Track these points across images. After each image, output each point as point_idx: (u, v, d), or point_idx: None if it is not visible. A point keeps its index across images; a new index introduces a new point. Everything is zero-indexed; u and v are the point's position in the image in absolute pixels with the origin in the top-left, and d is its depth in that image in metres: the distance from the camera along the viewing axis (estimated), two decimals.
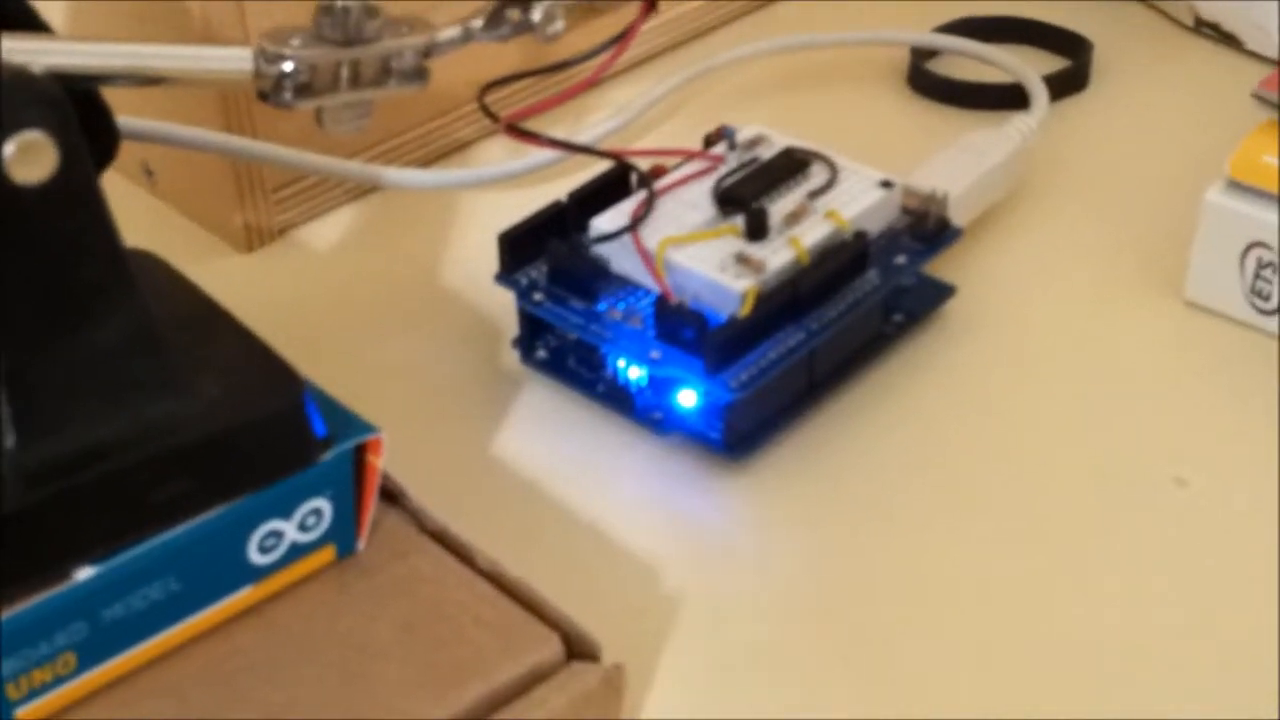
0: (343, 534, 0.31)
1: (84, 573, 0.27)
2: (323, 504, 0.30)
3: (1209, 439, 0.36)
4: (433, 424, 0.37)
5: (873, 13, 0.51)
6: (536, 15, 0.33)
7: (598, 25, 0.37)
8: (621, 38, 0.36)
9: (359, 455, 0.30)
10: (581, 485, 0.36)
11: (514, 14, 0.33)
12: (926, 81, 0.48)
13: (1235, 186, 0.38)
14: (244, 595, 0.29)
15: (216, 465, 0.29)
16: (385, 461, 0.31)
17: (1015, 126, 0.43)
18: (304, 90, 0.32)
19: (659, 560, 0.34)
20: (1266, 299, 0.38)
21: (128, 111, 0.36)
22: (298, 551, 0.30)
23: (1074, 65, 0.47)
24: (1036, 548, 0.34)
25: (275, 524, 0.29)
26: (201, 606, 0.29)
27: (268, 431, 0.29)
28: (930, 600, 0.33)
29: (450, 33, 0.33)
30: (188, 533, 0.28)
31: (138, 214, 0.44)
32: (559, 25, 0.33)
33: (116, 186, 0.43)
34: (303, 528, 0.30)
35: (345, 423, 0.30)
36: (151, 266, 0.32)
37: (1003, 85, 0.46)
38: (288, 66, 0.31)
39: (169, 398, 0.28)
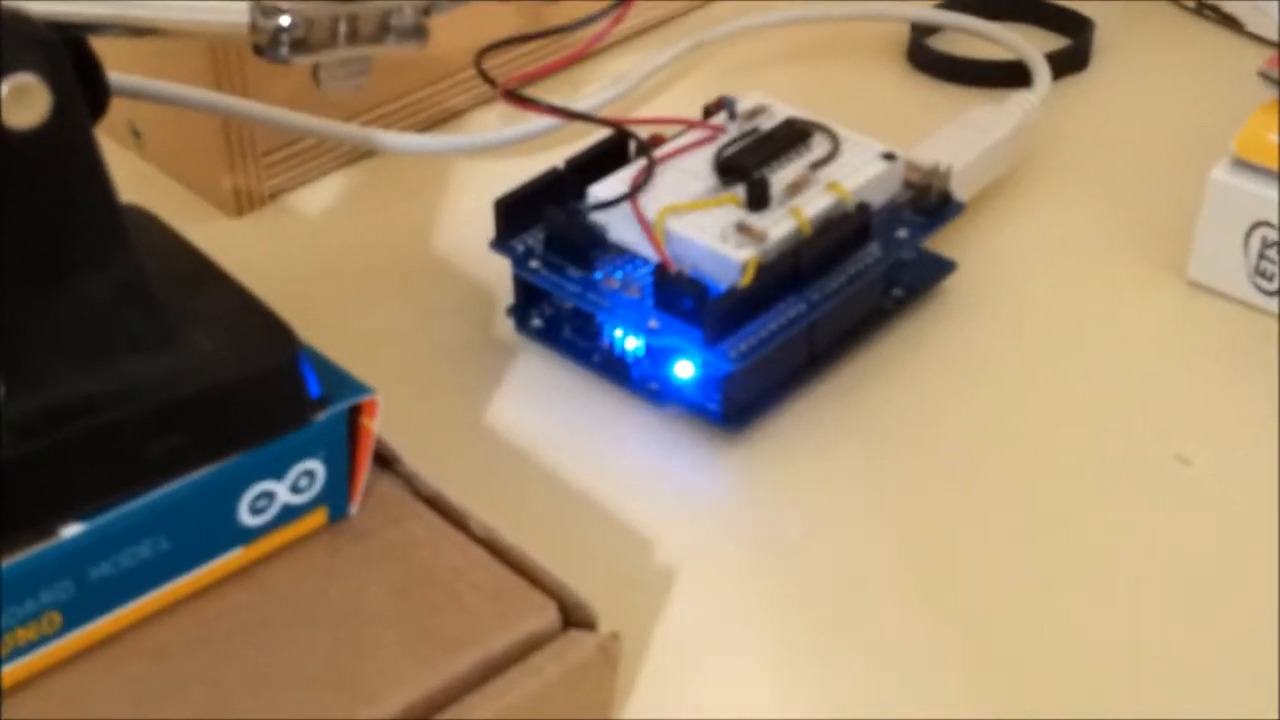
0: (336, 497, 0.30)
1: (71, 529, 0.27)
2: (316, 465, 0.29)
3: (1211, 418, 0.36)
4: (426, 391, 0.37)
5: None
6: None
7: None
8: (621, 2, 0.36)
9: (353, 418, 0.30)
10: (576, 455, 0.35)
11: None
12: (927, 58, 0.47)
13: (1240, 165, 0.37)
14: (234, 556, 0.29)
15: (209, 422, 0.28)
16: (379, 427, 0.30)
17: (1017, 104, 0.42)
18: (300, 45, 0.31)
19: (654, 531, 0.33)
20: (1270, 279, 0.38)
21: (117, 68, 0.35)
22: (290, 513, 0.29)
23: (1075, 44, 0.47)
24: (1036, 526, 0.33)
25: (267, 484, 0.29)
26: (191, 567, 0.28)
27: (261, 389, 0.28)
28: (928, 577, 0.32)
29: None
30: (178, 491, 0.28)
31: (125, 176, 0.42)
32: None
33: (103, 148, 0.43)
34: (295, 489, 0.29)
35: (340, 383, 0.30)
36: (145, 222, 0.31)
37: (1004, 63, 0.46)
38: (284, 20, 0.30)
39: (161, 352, 0.28)
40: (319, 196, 0.42)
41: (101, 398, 0.27)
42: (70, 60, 0.27)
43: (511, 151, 0.42)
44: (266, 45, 0.31)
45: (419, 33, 0.33)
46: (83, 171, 0.27)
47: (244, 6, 0.31)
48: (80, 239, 0.27)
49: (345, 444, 0.30)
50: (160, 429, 0.27)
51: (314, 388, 0.29)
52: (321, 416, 0.29)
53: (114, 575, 0.27)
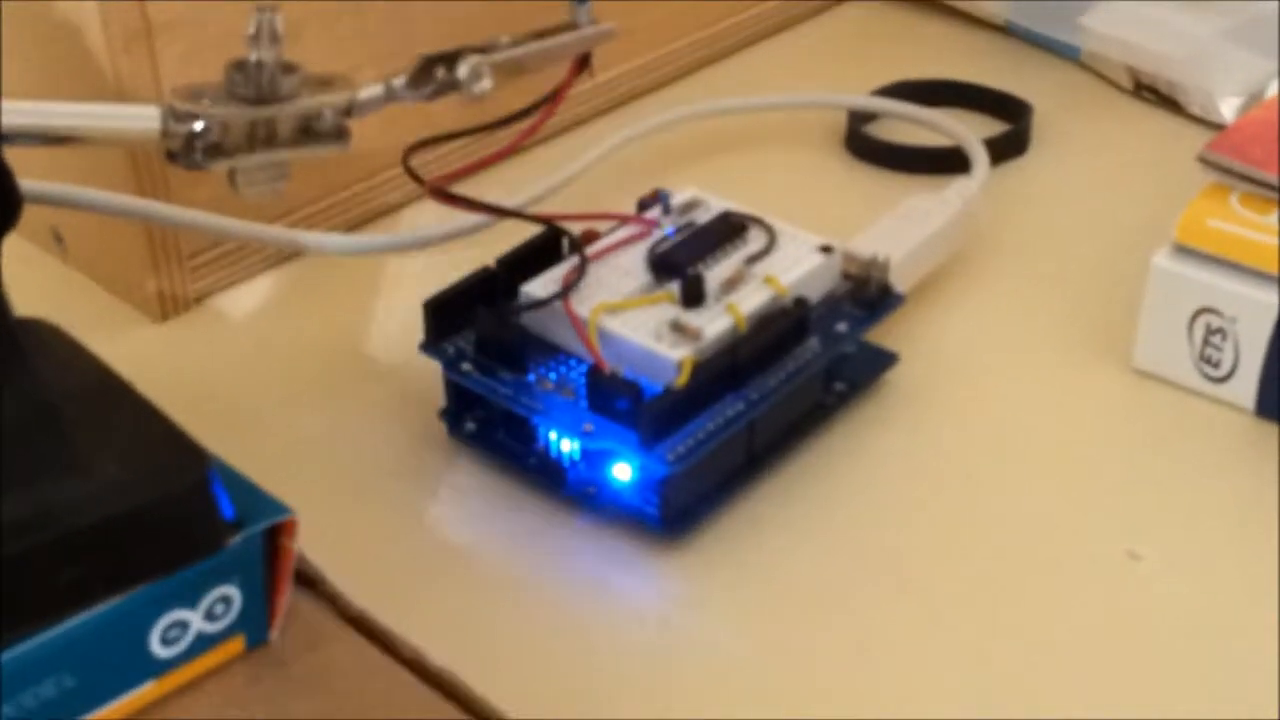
0: (253, 623, 0.29)
1: None
2: (231, 591, 0.28)
3: (1161, 511, 0.35)
4: (356, 500, 0.35)
5: (809, 76, 0.51)
6: (462, 73, 0.32)
7: (527, 85, 0.36)
8: (552, 98, 0.35)
9: (271, 539, 0.29)
10: (513, 565, 0.34)
11: (439, 72, 0.32)
12: (865, 145, 0.47)
13: (1182, 251, 0.37)
14: (146, 690, 0.28)
15: (115, 551, 0.27)
16: (303, 543, 0.29)
17: (956, 191, 0.42)
18: (215, 150, 0.30)
19: (594, 644, 0.32)
20: (1216, 365, 0.37)
21: (36, 174, 0.34)
22: (205, 643, 0.28)
23: (1014, 129, 0.47)
24: (985, 627, 0.32)
25: (179, 614, 0.27)
26: (100, 704, 0.27)
27: (171, 514, 0.27)
28: (878, 682, 0.31)
29: (372, 91, 0.32)
30: (84, 624, 0.26)
31: (47, 282, 0.42)
32: (486, 84, 0.32)
33: (24, 253, 0.42)
34: (210, 617, 0.28)
35: (256, 503, 0.29)
36: (48, 336, 0.30)
37: (942, 149, 0.45)
38: (198, 125, 0.30)
39: (63, 478, 0.27)
40: (246, 299, 0.41)
41: (6, 528, 0.26)
42: None
43: (443, 248, 0.41)
44: (180, 151, 0.30)
45: (340, 135, 0.32)
46: None
47: (155, 112, 0.30)
48: None
49: (262, 568, 0.29)
50: (62, 560, 0.26)
51: (227, 510, 0.28)
52: (236, 540, 0.28)
53: (17, 717, 0.26)
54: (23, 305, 0.31)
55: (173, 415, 0.30)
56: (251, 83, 0.30)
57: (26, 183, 0.30)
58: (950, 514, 0.35)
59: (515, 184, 0.42)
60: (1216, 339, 0.37)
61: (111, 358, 0.31)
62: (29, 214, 0.30)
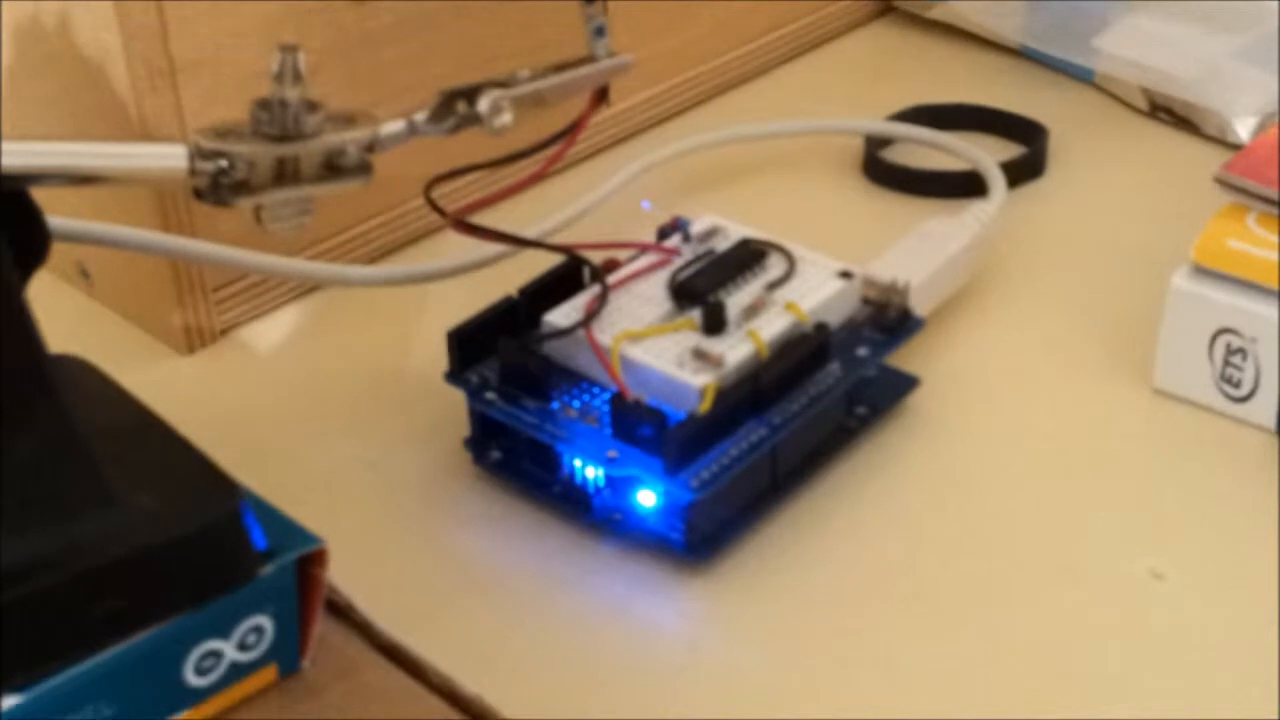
0: (286, 652, 0.29)
1: (9, 701, 0.26)
2: (264, 621, 0.28)
3: (1184, 531, 0.35)
4: (383, 531, 0.36)
5: (825, 101, 0.51)
6: (483, 107, 0.32)
7: (547, 117, 0.36)
8: (572, 129, 0.35)
9: (302, 568, 0.29)
10: (539, 592, 0.34)
11: (460, 106, 0.33)
12: (882, 170, 0.47)
13: (1201, 272, 0.37)
14: None
15: (149, 583, 0.27)
16: (332, 572, 0.29)
17: (973, 214, 0.42)
18: (241, 188, 0.30)
19: (622, 669, 0.32)
20: (1237, 385, 0.37)
21: (62, 210, 0.35)
22: (238, 672, 0.28)
23: (1030, 152, 0.47)
24: (1011, 648, 0.32)
25: (213, 644, 0.28)
26: None
27: (203, 545, 0.27)
28: (904, 704, 0.31)
29: (394, 127, 0.32)
30: (119, 655, 0.27)
31: (73, 316, 0.42)
32: (507, 118, 0.32)
33: (51, 288, 0.43)
34: (242, 647, 0.28)
35: (287, 534, 0.29)
36: (79, 372, 0.31)
37: (959, 173, 0.46)
38: (224, 163, 0.30)
39: (97, 511, 0.27)
40: (271, 330, 0.42)
41: (34, 563, 0.26)
42: (7, 212, 0.27)
43: (466, 278, 0.41)
44: (207, 189, 0.31)
45: (364, 170, 0.32)
46: (7, 329, 0.26)
47: (182, 150, 0.30)
48: (7, 398, 0.26)
49: (294, 597, 0.29)
50: (97, 593, 0.26)
51: (259, 540, 0.28)
52: (268, 570, 0.28)
53: None
54: (50, 340, 0.31)
55: (202, 447, 0.30)
56: (276, 121, 0.30)
57: (53, 220, 0.30)
58: (973, 536, 0.35)
59: (536, 213, 0.43)
60: (1237, 359, 0.37)
61: (140, 391, 0.32)
62: (55, 249, 0.30)
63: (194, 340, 0.41)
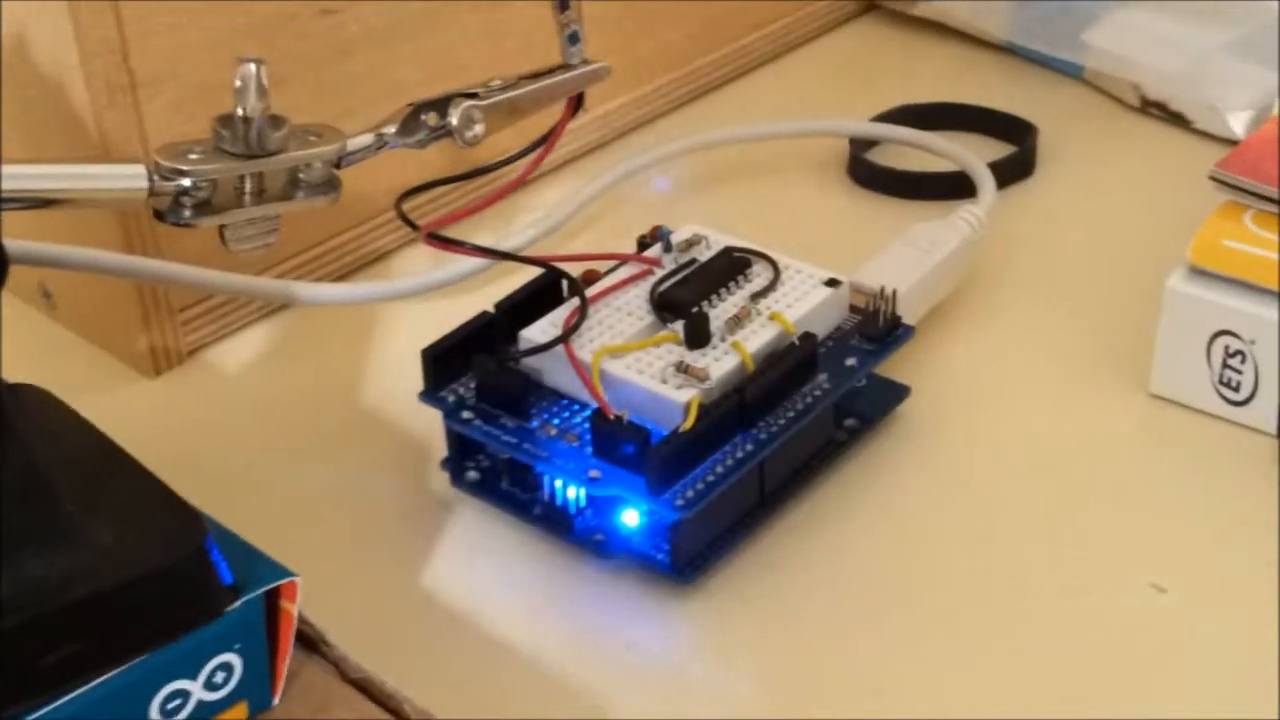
0: (256, 689, 0.28)
1: None
2: (232, 659, 0.27)
3: (1185, 541, 0.34)
4: (357, 556, 0.35)
5: (808, 102, 0.50)
6: (454, 119, 0.31)
7: (521, 125, 0.35)
8: (546, 139, 0.34)
9: (272, 601, 0.28)
10: (521, 616, 0.33)
11: (430, 118, 0.31)
12: (868, 172, 0.46)
13: (1197, 273, 0.36)
14: None
15: (112, 622, 0.26)
16: (304, 603, 0.28)
17: (962, 216, 0.41)
18: (204, 207, 0.29)
19: (607, 695, 0.31)
20: (1236, 389, 0.36)
21: (22, 231, 0.34)
22: (206, 711, 0.27)
23: (1019, 150, 0.46)
24: (1009, 666, 0.32)
25: (180, 684, 0.27)
26: None
27: (168, 582, 0.26)
28: None
29: (362, 140, 0.31)
30: (83, 697, 0.26)
31: (36, 339, 0.41)
32: (478, 130, 0.31)
33: (13, 310, 0.41)
34: (210, 686, 0.27)
35: (255, 566, 0.28)
36: (40, 403, 0.30)
37: (947, 174, 0.45)
38: (185, 182, 0.29)
39: (58, 550, 0.26)
40: (239, 350, 0.41)
41: None
42: None
43: (440, 293, 0.40)
44: (168, 209, 0.30)
45: (331, 186, 0.31)
46: None
47: (141, 170, 0.29)
48: None
49: (263, 632, 0.28)
50: (59, 635, 0.25)
51: (225, 575, 0.27)
52: (235, 606, 0.27)
53: None
54: (13, 364, 0.30)
55: (169, 472, 0.29)
56: (239, 138, 0.29)
57: (13, 243, 0.29)
58: (968, 550, 0.34)
59: (512, 224, 0.42)
60: (1236, 361, 0.36)
61: (105, 414, 0.31)
62: (17, 271, 0.29)
63: (160, 362, 0.40)
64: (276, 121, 0.30)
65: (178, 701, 0.27)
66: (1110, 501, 0.35)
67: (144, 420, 0.38)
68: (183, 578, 0.27)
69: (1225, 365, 0.36)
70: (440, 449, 0.36)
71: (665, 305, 0.35)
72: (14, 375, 0.30)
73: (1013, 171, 0.45)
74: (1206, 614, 0.32)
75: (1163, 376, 0.37)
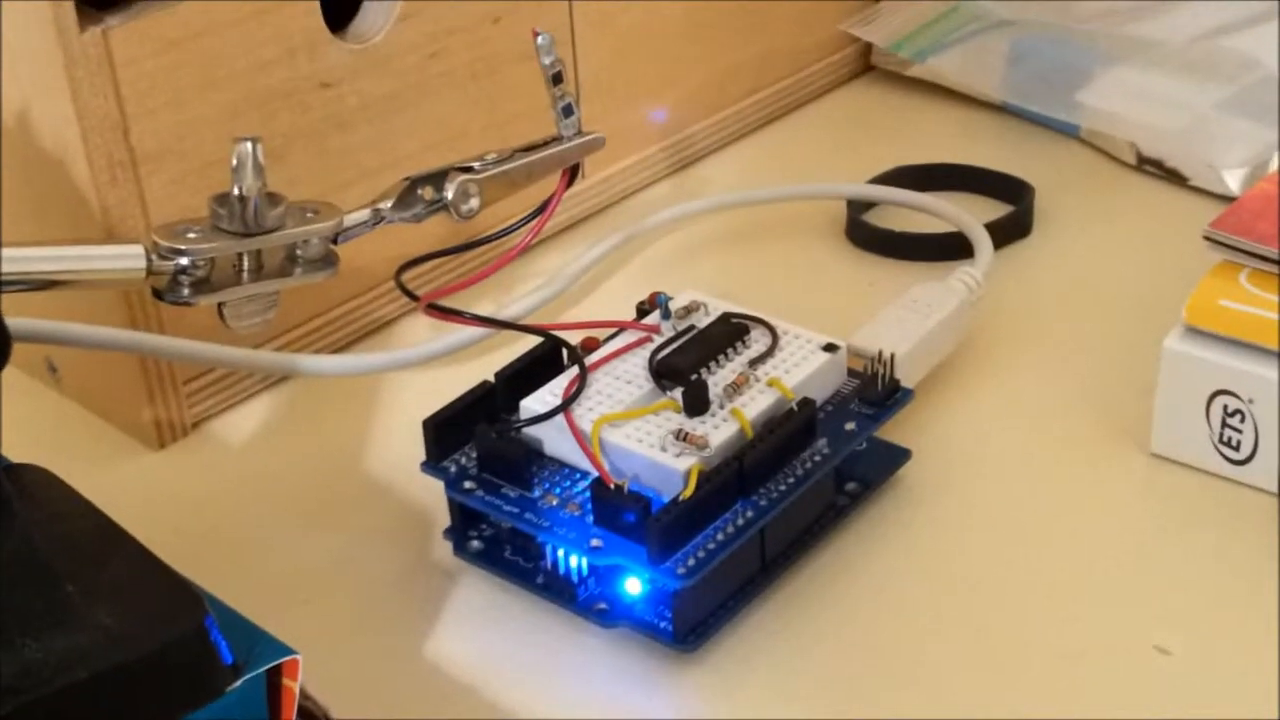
0: None
1: None
2: None
3: (1188, 602, 0.34)
4: (361, 627, 0.35)
5: (805, 165, 0.50)
6: (450, 193, 0.31)
7: (518, 196, 0.35)
8: (542, 210, 0.35)
9: (273, 678, 0.28)
10: (525, 687, 0.33)
11: (426, 192, 0.32)
12: (866, 234, 0.46)
13: (1194, 333, 0.36)
14: None
15: (112, 704, 0.26)
16: (306, 677, 0.28)
17: (960, 278, 0.41)
18: (202, 285, 0.30)
19: None
20: (1236, 448, 0.36)
21: (25, 308, 0.34)
22: None
23: (1016, 210, 0.46)
24: None
25: None
26: None
27: (167, 664, 0.26)
28: None
29: (359, 216, 0.31)
30: None
31: (42, 412, 0.42)
32: (474, 203, 0.32)
33: (19, 384, 0.42)
34: None
35: (256, 644, 0.28)
36: (41, 483, 0.29)
37: (944, 235, 0.45)
38: (183, 261, 0.29)
39: (58, 632, 0.26)
40: (243, 422, 0.41)
41: None
42: None
43: (441, 361, 0.41)
44: (166, 289, 0.30)
45: (329, 261, 0.31)
46: None
47: (139, 250, 0.30)
48: None
49: (264, 711, 0.28)
50: (60, 716, 0.25)
51: (226, 654, 0.27)
52: (236, 685, 0.27)
53: None
54: (18, 437, 0.31)
55: (172, 543, 0.29)
56: (236, 216, 0.29)
57: (16, 321, 0.30)
58: (971, 614, 0.34)
59: (511, 292, 0.42)
60: (1235, 420, 0.36)
61: (110, 486, 0.31)
62: (22, 345, 0.29)
63: (164, 435, 0.40)
64: (273, 199, 0.30)
65: None
66: (1113, 562, 0.35)
67: (148, 492, 0.38)
68: (183, 658, 0.26)
69: (1225, 424, 0.36)
70: (443, 518, 0.36)
71: (664, 373, 0.36)
72: (20, 447, 0.30)
73: (1010, 231, 0.45)
74: (1211, 674, 0.32)
75: (1163, 436, 0.37)
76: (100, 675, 0.26)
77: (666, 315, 0.37)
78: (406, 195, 0.32)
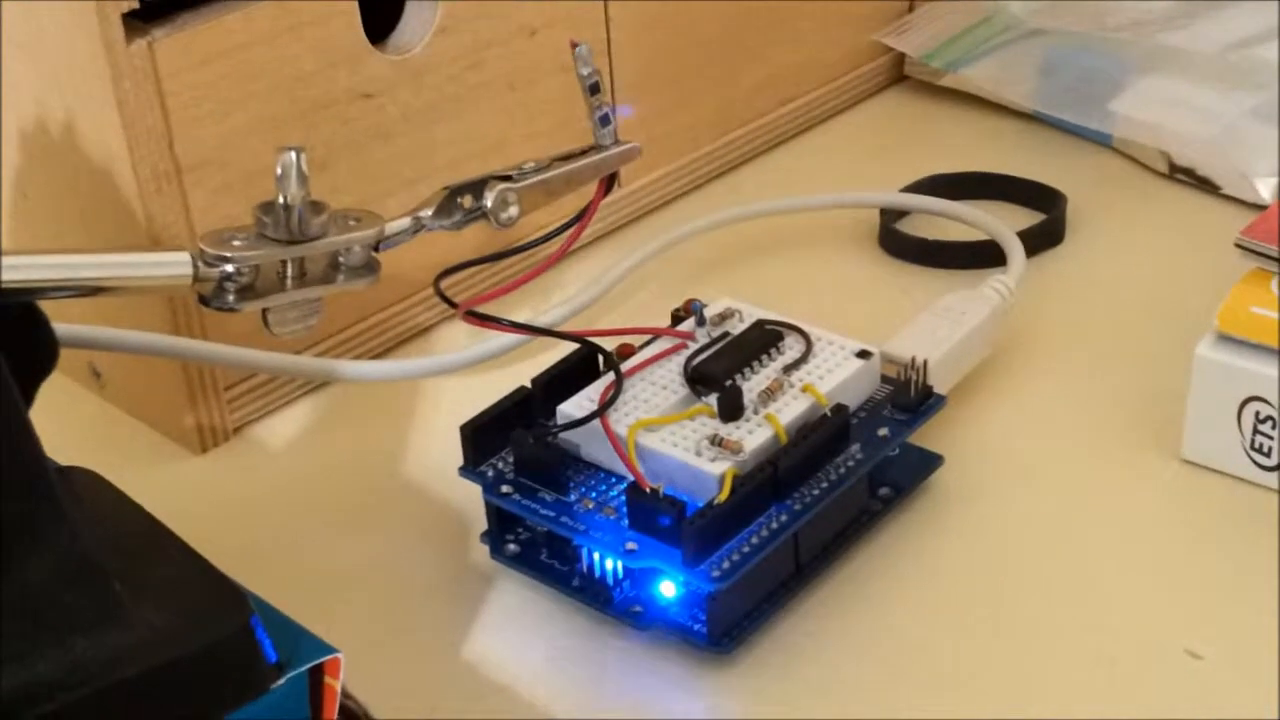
0: None
1: None
2: None
3: (1219, 607, 0.34)
4: (400, 628, 0.35)
5: (838, 174, 0.51)
6: (489, 202, 0.32)
7: (555, 204, 0.36)
8: (580, 218, 0.35)
9: (315, 676, 0.28)
10: (561, 688, 0.34)
11: (465, 201, 0.32)
12: (898, 242, 0.46)
13: (1226, 339, 0.36)
14: None
15: (159, 701, 0.26)
16: (347, 677, 0.29)
17: (992, 285, 0.41)
18: (247, 292, 0.30)
19: None
20: (1267, 454, 0.36)
21: (70, 314, 0.35)
22: None
23: (1049, 219, 0.46)
24: None
25: None
26: None
27: (213, 662, 0.27)
28: None
29: (400, 224, 0.32)
30: None
31: (85, 417, 0.42)
32: (513, 211, 0.32)
33: (63, 390, 0.42)
34: None
35: (299, 643, 0.28)
36: (90, 485, 0.30)
37: (977, 243, 0.45)
38: (229, 268, 0.30)
39: (107, 630, 0.26)
40: (284, 427, 0.41)
41: (46, 684, 0.25)
42: (14, 325, 0.27)
43: (478, 367, 0.41)
44: (212, 295, 0.30)
45: (370, 269, 0.32)
46: (9, 454, 0.25)
47: (186, 257, 0.30)
48: (13, 523, 0.25)
49: (307, 709, 0.28)
50: (108, 713, 0.26)
51: (270, 653, 0.28)
52: (279, 683, 0.27)
53: None
54: (62, 441, 0.31)
55: (215, 546, 0.30)
56: (280, 224, 0.30)
57: (62, 326, 0.30)
58: (1004, 618, 0.34)
59: (548, 299, 0.42)
60: (1266, 427, 0.36)
61: (153, 491, 0.31)
62: (67, 351, 0.30)
63: (206, 439, 0.40)
64: (317, 207, 0.30)
65: None
66: (1144, 568, 0.35)
67: (191, 496, 0.39)
68: (228, 656, 0.27)
69: (1256, 431, 0.36)
70: (480, 522, 0.36)
71: (699, 379, 0.36)
72: (64, 451, 0.30)
73: (1042, 240, 0.46)
74: (1242, 679, 0.32)
75: (1194, 442, 0.37)
76: (148, 672, 0.26)
77: (701, 322, 0.38)
78: (446, 204, 0.32)
